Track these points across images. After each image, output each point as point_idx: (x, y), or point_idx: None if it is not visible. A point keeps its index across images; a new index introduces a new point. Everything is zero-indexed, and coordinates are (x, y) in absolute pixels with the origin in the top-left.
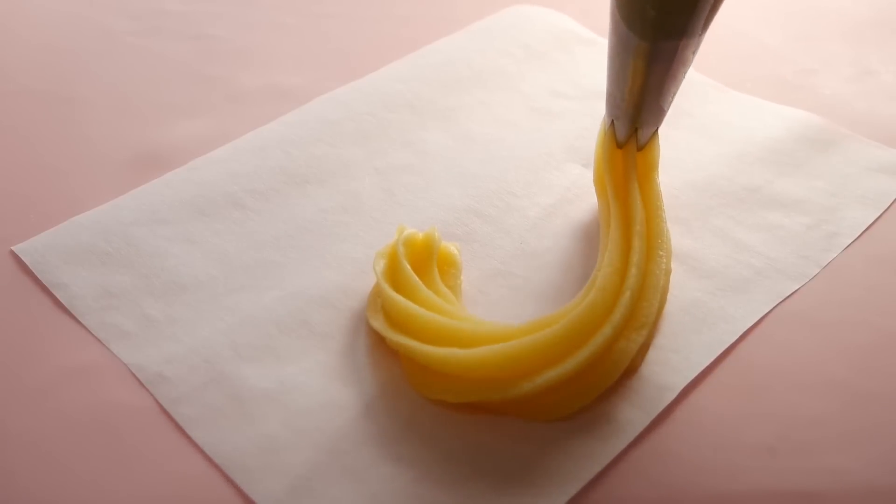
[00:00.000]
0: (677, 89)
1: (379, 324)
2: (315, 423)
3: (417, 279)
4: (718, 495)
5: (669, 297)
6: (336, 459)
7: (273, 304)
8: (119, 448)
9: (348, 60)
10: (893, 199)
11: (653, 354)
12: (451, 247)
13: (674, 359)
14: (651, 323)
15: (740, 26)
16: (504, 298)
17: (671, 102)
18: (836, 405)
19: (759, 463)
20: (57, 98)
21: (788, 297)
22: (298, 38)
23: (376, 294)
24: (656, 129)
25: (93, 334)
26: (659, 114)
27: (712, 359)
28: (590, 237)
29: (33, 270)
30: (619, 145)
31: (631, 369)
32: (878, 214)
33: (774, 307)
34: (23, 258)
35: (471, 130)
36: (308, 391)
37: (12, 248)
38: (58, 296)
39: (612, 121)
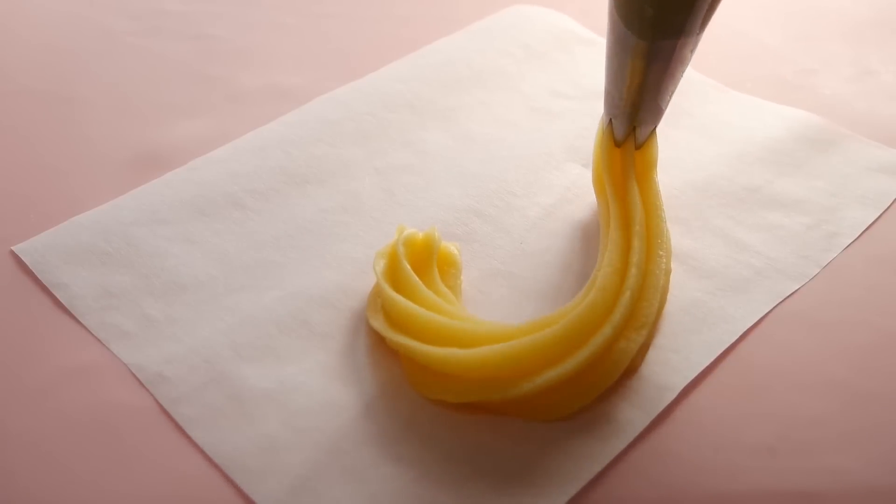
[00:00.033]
0: (675, 88)
1: (379, 324)
2: (315, 423)
3: (417, 279)
4: (718, 495)
5: (669, 297)
6: (336, 459)
7: (273, 304)
8: (119, 448)
9: (348, 60)
10: (893, 199)
11: (653, 354)
12: (451, 247)
13: (674, 359)
14: (651, 323)
15: (740, 26)
16: (504, 298)
17: (669, 101)
18: (836, 405)
19: (759, 463)
20: (57, 98)
21: (788, 297)
22: (298, 38)
23: (376, 294)
24: (654, 128)
25: (93, 334)
26: (657, 112)
27: (712, 359)
28: (589, 237)
29: (33, 270)
30: (618, 144)
31: (631, 369)
32: (878, 214)
33: (774, 307)
34: (23, 258)
35: (471, 130)
36: (308, 391)
37: (12, 248)
38: (58, 296)
39: (611, 119)
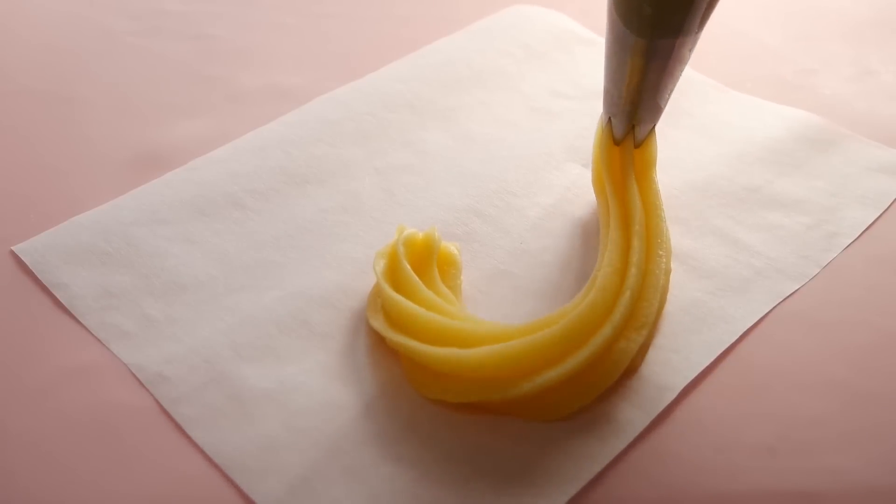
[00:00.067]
0: (674, 87)
1: (379, 324)
2: (315, 423)
3: (417, 279)
4: (718, 495)
5: (669, 297)
6: (336, 459)
7: (273, 304)
8: (119, 448)
9: (348, 60)
10: (893, 199)
11: (653, 354)
12: (451, 247)
13: (674, 359)
14: (651, 323)
15: (740, 26)
16: (504, 298)
17: (668, 100)
18: (836, 405)
19: (759, 463)
20: (57, 98)
21: (788, 297)
22: (298, 38)
23: (376, 294)
24: (653, 127)
25: (93, 334)
26: (656, 111)
27: (712, 359)
28: (589, 237)
29: (33, 270)
30: (617, 142)
31: (631, 369)
32: (878, 214)
33: (774, 307)
34: (23, 258)
35: (471, 130)
36: (308, 391)
37: (12, 248)
38: (58, 296)
39: (609, 118)
